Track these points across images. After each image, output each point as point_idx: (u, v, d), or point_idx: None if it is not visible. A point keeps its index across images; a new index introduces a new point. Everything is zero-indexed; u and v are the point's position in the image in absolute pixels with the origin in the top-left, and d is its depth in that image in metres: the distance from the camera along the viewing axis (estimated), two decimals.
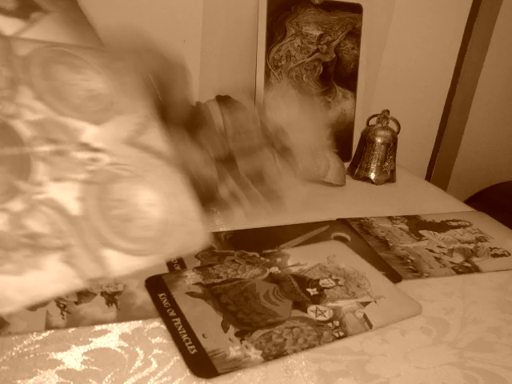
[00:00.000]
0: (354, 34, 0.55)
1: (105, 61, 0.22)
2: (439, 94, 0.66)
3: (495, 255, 0.38)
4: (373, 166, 0.53)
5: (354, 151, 0.56)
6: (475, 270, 0.36)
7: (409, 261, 0.36)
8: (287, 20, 0.53)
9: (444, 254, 0.38)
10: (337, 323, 0.27)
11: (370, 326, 0.27)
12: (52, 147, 0.19)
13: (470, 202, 0.58)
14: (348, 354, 0.25)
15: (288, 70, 0.53)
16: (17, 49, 0.20)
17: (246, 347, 0.24)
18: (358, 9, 0.55)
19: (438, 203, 0.49)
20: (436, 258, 0.37)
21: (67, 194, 0.18)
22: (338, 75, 0.56)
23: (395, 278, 0.33)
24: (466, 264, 0.36)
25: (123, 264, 0.18)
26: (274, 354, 0.24)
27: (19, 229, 0.17)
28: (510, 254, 0.38)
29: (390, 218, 0.43)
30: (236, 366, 0.23)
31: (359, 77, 0.56)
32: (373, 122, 0.54)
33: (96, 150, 0.20)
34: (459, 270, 0.35)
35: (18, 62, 0.20)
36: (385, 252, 0.37)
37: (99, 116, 0.20)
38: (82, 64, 0.21)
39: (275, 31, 0.53)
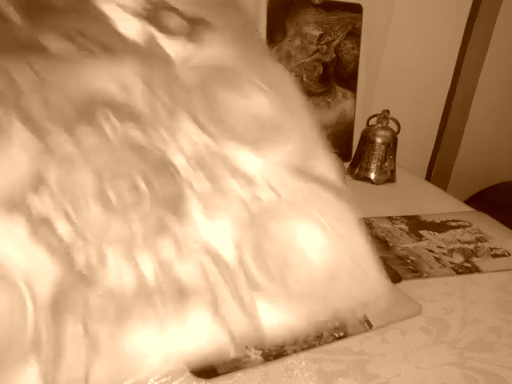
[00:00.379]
0: (354, 34, 0.55)
1: (271, 78, 0.20)
2: (439, 93, 0.66)
3: (495, 255, 0.38)
4: (373, 166, 0.53)
5: (353, 151, 0.56)
6: (475, 270, 0.36)
7: (409, 261, 0.36)
8: (287, 20, 0.53)
9: (444, 254, 0.37)
10: (337, 323, 0.27)
11: (370, 326, 0.27)
12: (210, 182, 0.17)
13: (470, 201, 0.58)
14: (348, 353, 0.25)
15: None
16: (182, 76, 0.19)
17: (246, 347, 0.24)
18: (357, 9, 0.55)
19: (437, 203, 0.49)
20: (436, 258, 0.37)
21: (223, 238, 0.16)
22: (338, 75, 0.56)
23: (395, 278, 0.33)
24: (466, 264, 0.36)
25: (279, 321, 0.15)
26: (273, 354, 0.24)
27: (168, 278, 0.14)
28: (509, 254, 0.38)
29: (390, 218, 0.43)
30: (236, 366, 0.23)
31: (359, 77, 0.56)
32: (373, 122, 0.54)
33: (258, 184, 0.17)
34: (459, 270, 0.35)
35: (182, 91, 0.18)
36: (384, 252, 0.37)
37: (264, 144, 0.18)
38: (247, 86, 0.19)
39: (275, 31, 0.53)
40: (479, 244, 0.40)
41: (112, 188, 0.16)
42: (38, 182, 0.15)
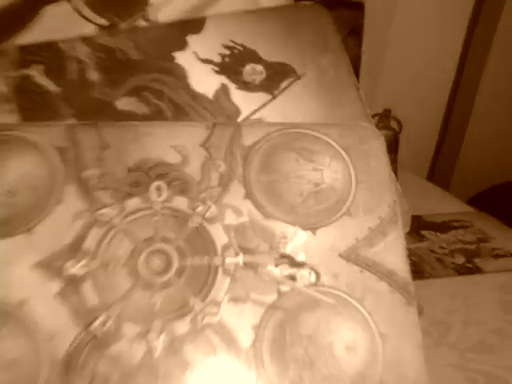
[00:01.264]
0: (356, 32, 0.55)
1: (352, 141, 0.17)
2: (441, 92, 0.65)
3: (497, 256, 0.38)
4: None
5: None
6: (477, 270, 0.35)
7: (410, 261, 0.36)
8: None
9: (445, 254, 0.37)
10: None
11: None
12: (246, 258, 0.15)
13: (472, 202, 0.58)
14: None
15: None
16: (244, 137, 0.17)
17: None
18: (359, 6, 0.55)
19: (439, 203, 0.49)
20: (437, 258, 0.36)
21: (243, 320, 0.15)
22: None
23: None
24: (468, 265, 0.36)
25: None
26: None
27: (175, 354, 0.14)
28: (511, 255, 0.38)
29: None
30: None
31: (361, 76, 0.56)
32: (374, 121, 0.54)
33: (299, 264, 0.16)
34: (461, 270, 0.35)
35: (240, 154, 0.17)
36: None
37: (320, 218, 0.16)
38: (318, 149, 0.17)
39: None
40: (481, 244, 0.39)
41: (144, 261, 0.15)
42: (78, 247, 0.15)
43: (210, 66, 0.19)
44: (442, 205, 0.49)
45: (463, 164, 0.69)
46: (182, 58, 0.20)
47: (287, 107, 0.19)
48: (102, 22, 0.21)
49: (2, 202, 0.16)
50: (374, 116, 0.55)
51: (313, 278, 0.16)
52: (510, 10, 0.62)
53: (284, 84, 0.19)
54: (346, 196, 0.17)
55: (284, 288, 0.15)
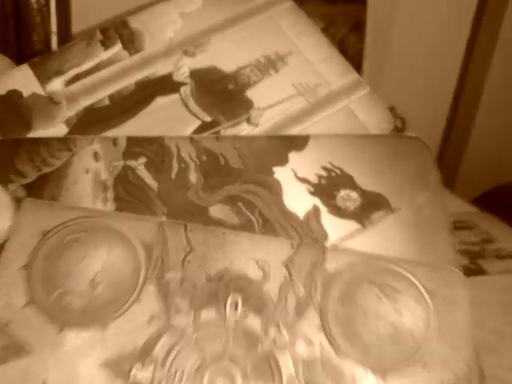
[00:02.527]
0: (358, 28, 0.54)
1: (438, 285, 0.17)
2: (446, 90, 0.64)
3: (501, 257, 0.37)
4: None
5: None
6: (480, 272, 0.35)
7: None
8: None
9: None
10: None
11: None
12: None
13: (477, 201, 0.57)
14: None
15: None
16: (327, 262, 0.17)
17: None
18: (361, 1, 0.54)
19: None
20: None
21: None
22: None
23: None
24: (471, 266, 0.35)
25: None
26: None
27: None
28: None
29: None
30: None
31: (364, 72, 0.55)
32: None
33: None
34: (464, 271, 0.34)
35: (321, 280, 0.16)
36: None
37: (392, 364, 0.15)
38: (402, 287, 0.16)
39: None
40: (485, 245, 0.39)
41: (208, 379, 0.15)
42: (148, 352, 0.15)
43: (306, 186, 0.19)
44: (446, 204, 0.48)
45: (468, 163, 0.68)
46: (280, 173, 0.19)
47: (376, 240, 0.18)
48: (207, 118, 0.21)
49: (84, 291, 0.16)
50: None
51: None
52: None
53: (376, 215, 0.18)
54: (423, 344, 0.16)
55: None
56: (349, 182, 0.19)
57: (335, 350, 0.16)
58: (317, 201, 0.19)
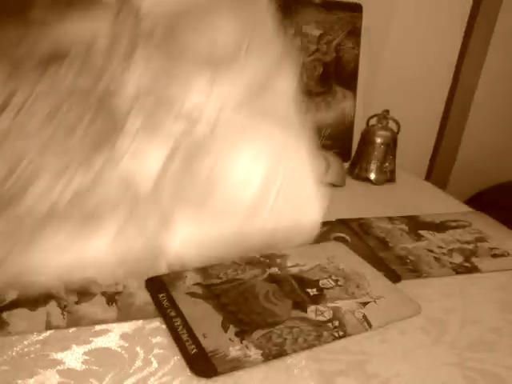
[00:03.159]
0: (354, 34, 0.55)
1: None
2: (439, 93, 0.66)
3: (495, 255, 0.38)
4: (372, 166, 0.53)
5: (353, 151, 0.56)
6: (475, 270, 0.36)
7: (408, 261, 0.36)
8: (286, 19, 0.53)
9: (443, 254, 0.37)
10: (336, 323, 0.27)
11: (370, 326, 0.27)
12: (146, 119, 0.16)
13: (469, 202, 0.58)
14: (347, 353, 0.25)
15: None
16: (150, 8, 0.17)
17: (246, 347, 0.24)
18: (358, 8, 0.55)
19: (437, 203, 0.49)
20: (435, 258, 0.37)
21: (143, 170, 0.15)
22: (338, 75, 0.55)
23: (395, 278, 0.33)
24: (466, 264, 0.36)
25: (189, 238, 0.15)
26: (274, 354, 0.24)
27: (79, 205, 0.15)
28: (509, 254, 0.38)
29: (390, 219, 0.43)
30: (236, 365, 0.23)
31: (359, 77, 0.56)
32: (373, 122, 0.54)
33: (196, 120, 0.16)
34: (459, 270, 0.35)
35: (146, 22, 0.17)
36: (384, 252, 0.37)
37: (222, 62, 0.16)
38: (216, 19, 0.17)
39: None
40: (479, 244, 0.40)
41: (53, 125, 0.16)
42: (7, 100, 0.16)
43: None
44: (440, 205, 0.49)
45: (461, 164, 0.70)
46: None
47: None
48: None
49: None
50: (372, 117, 0.55)
51: (207, 128, 0.16)
52: (507, 10, 0.62)
53: None
54: (241, 44, 0.17)
55: (181, 139, 0.16)
56: None
57: (171, 61, 0.17)
58: None
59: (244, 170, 0.16)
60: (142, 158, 0.16)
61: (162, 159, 0.16)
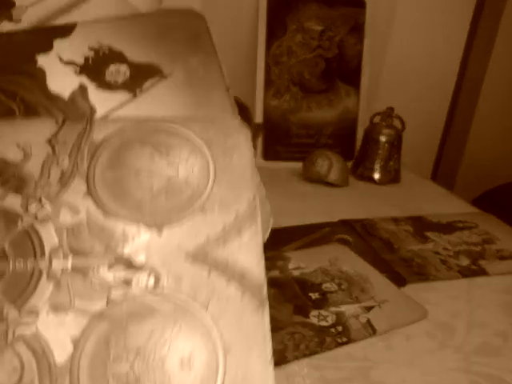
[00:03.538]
0: (357, 30, 0.54)
1: (215, 135, 0.16)
2: (445, 91, 0.64)
3: (502, 257, 0.37)
4: (376, 166, 0.52)
5: (357, 150, 0.55)
6: (482, 272, 0.35)
7: (414, 263, 0.35)
8: (288, 15, 0.52)
9: (450, 256, 0.37)
10: (340, 328, 0.26)
11: (374, 331, 0.27)
12: (76, 261, 0.14)
13: (476, 202, 0.57)
14: (351, 360, 0.25)
15: (289, 67, 0.52)
16: (95, 133, 0.16)
17: None
18: (360, 3, 0.54)
19: (443, 204, 0.48)
20: (442, 260, 0.36)
21: (62, 332, 0.13)
22: (340, 72, 0.55)
23: (400, 281, 0.32)
24: (473, 267, 0.35)
25: None
26: (274, 361, 0.24)
27: None
28: None
29: (395, 220, 0.42)
30: None
31: (362, 73, 0.55)
32: (377, 120, 0.53)
33: (136, 267, 0.14)
34: (465, 272, 0.35)
35: (88, 150, 0.16)
36: (389, 254, 0.36)
37: (169, 216, 0.15)
38: (176, 143, 0.16)
39: (276, 27, 0.52)
40: (486, 246, 0.39)
41: None
42: None
43: (72, 67, 0.19)
44: (447, 205, 0.48)
45: (467, 163, 0.69)
46: (44, 60, 0.19)
47: (150, 106, 0.18)
48: None
49: None
50: (376, 115, 0.54)
51: (151, 281, 0.14)
52: None
53: (148, 83, 0.18)
54: (201, 191, 0.15)
55: (116, 294, 0.14)
56: (118, 57, 0.19)
57: (104, 213, 0.15)
58: (84, 79, 0.19)
59: (186, 353, 0.13)
60: (63, 314, 0.13)
61: (89, 316, 0.13)
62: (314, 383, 0.23)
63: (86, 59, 0.19)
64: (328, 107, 0.55)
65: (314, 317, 0.27)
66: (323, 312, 0.28)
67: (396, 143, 0.52)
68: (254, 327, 0.14)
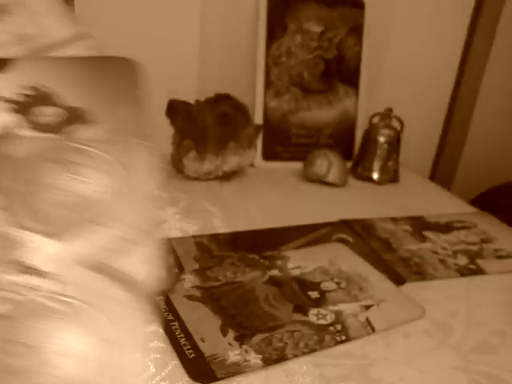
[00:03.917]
0: (356, 31, 0.55)
1: (121, 157, 0.18)
2: (443, 91, 0.65)
3: (500, 257, 0.37)
4: (375, 166, 0.52)
5: (356, 150, 0.55)
6: (480, 271, 0.35)
7: (412, 263, 0.35)
8: (287, 16, 0.52)
9: (448, 255, 0.37)
10: (339, 327, 0.27)
11: (373, 329, 0.27)
12: None
13: (475, 202, 0.57)
14: (350, 358, 0.25)
15: (289, 67, 0.53)
16: (15, 150, 0.17)
17: (246, 351, 0.24)
18: (360, 4, 0.54)
19: (442, 204, 0.49)
20: (440, 259, 0.36)
21: None
22: (339, 72, 0.55)
23: (398, 280, 0.33)
24: (471, 266, 0.36)
25: None
26: (274, 359, 0.24)
27: None
28: None
29: (393, 219, 0.42)
30: (235, 370, 0.23)
31: (361, 74, 0.56)
32: (375, 120, 0.53)
33: (39, 273, 0.15)
34: (463, 271, 0.35)
35: (10, 165, 0.17)
36: (388, 254, 0.36)
37: (71, 228, 0.16)
38: (85, 163, 0.17)
39: (275, 27, 0.52)
40: (484, 245, 0.39)
41: None
42: None
43: (1, 104, 0.19)
44: (445, 205, 0.48)
45: (466, 163, 0.69)
46: None
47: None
48: None
49: None
50: (375, 115, 0.54)
51: (52, 286, 0.15)
52: (510, 8, 0.61)
53: (72, 128, 0.19)
54: (105, 208, 0.17)
55: (16, 297, 0.15)
56: (49, 100, 0.19)
57: (11, 223, 0.16)
58: (13, 118, 0.19)
59: (69, 347, 0.15)
60: None
61: None
62: (314, 380, 0.23)
63: (19, 97, 0.19)
64: (327, 108, 0.55)
65: (313, 315, 0.27)
66: (322, 311, 0.28)
67: (395, 143, 0.52)
68: (135, 326, 0.16)
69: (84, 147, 0.18)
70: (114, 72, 0.20)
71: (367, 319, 0.28)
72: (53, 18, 0.23)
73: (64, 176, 0.17)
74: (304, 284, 0.30)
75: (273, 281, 0.30)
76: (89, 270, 0.16)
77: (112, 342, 0.15)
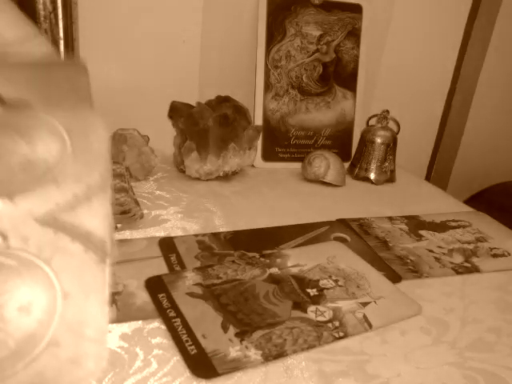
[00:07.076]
0: (354, 34, 0.56)
1: (74, 119, 0.17)
2: (439, 93, 0.66)
3: (495, 255, 0.38)
4: (372, 166, 0.53)
5: (353, 151, 0.56)
6: (475, 270, 0.36)
7: (408, 261, 0.36)
8: (287, 20, 0.53)
9: (444, 254, 0.37)
10: (337, 323, 0.27)
11: (370, 326, 0.27)
12: None
13: (469, 201, 0.58)
14: (348, 354, 0.25)
15: (288, 70, 0.53)
16: None
17: (246, 347, 0.24)
18: (357, 9, 0.55)
19: (437, 203, 0.49)
20: (436, 258, 0.37)
21: None
22: (337, 75, 0.56)
23: (395, 278, 0.33)
24: (466, 264, 0.36)
25: None
26: (273, 355, 0.24)
27: None
28: (509, 254, 0.38)
29: (390, 219, 0.43)
30: (236, 366, 0.23)
31: (359, 77, 0.56)
32: (373, 122, 0.54)
33: None
34: (459, 270, 0.35)
35: None
36: (385, 252, 0.37)
37: (22, 187, 0.15)
38: (36, 125, 0.17)
39: (275, 31, 0.53)
40: (479, 244, 0.40)
41: None
42: None
43: None
44: (441, 204, 0.49)
45: (461, 164, 0.70)
46: None
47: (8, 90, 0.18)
48: None
49: None
50: (372, 117, 0.55)
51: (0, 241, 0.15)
52: (506, 12, 0.62)
53: (19, 108, 0.18)
54: (57, 167, 0.16)
55: None
56: None
57: None
58: None
59: (26, 296, 0.14)
60: None
61: None
62: (312, 376, 0.24)
63: None
64: (325, 110, 0.56)
65: (311, 312, 0.28)
66: (321, 308, 0.28)
67: (391, 145, 0.53)
68: (94, 278, 0.15)
69: (33, 114, 0.17)
70: (63, 76, 0.20)
71: (364, 316, 0.28)
72: (1, 18, 0.22)
73: (13, 138, 0.16)
74: (303, 282, 0.31)
75: (272, 278, 0.31)
76: (38, 224, 0.15)
77: (70, 294, 0.15)
